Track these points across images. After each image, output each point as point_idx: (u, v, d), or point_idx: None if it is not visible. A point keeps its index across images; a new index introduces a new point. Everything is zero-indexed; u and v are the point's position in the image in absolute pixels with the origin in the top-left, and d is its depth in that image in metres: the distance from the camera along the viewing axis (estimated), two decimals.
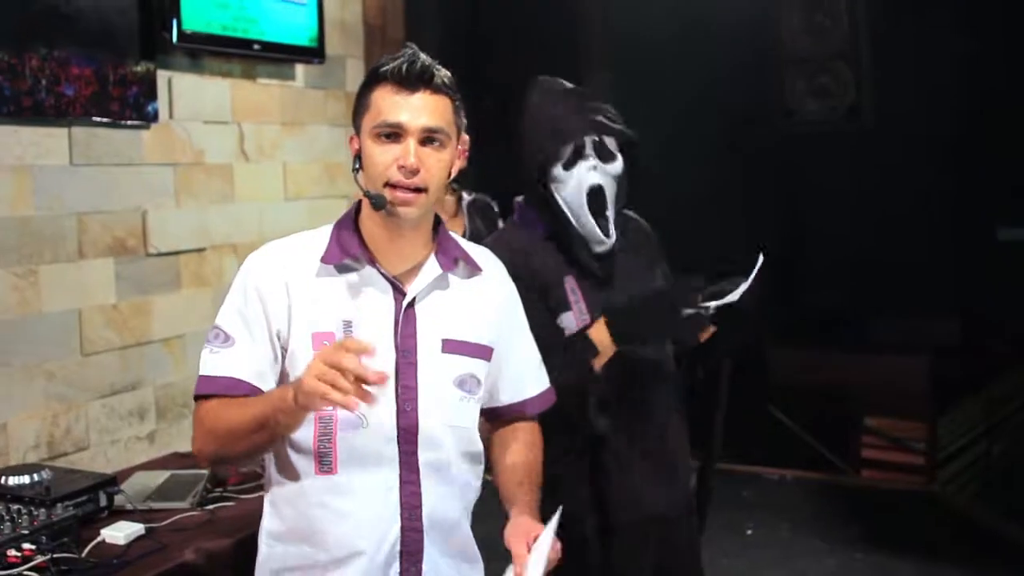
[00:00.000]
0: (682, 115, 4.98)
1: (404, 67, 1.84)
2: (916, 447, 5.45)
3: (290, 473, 1.90)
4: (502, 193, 4.17)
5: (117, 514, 2.61)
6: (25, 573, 2.18)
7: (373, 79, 1.88)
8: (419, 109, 1.83)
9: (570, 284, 2.39)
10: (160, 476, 2.88)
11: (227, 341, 1.89)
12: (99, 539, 2.42)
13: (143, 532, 2.47)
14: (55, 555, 2.25)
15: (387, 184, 1.84)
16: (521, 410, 2.13)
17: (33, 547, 2.25)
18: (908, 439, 5.47)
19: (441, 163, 1.87)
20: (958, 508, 5.02)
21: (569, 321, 2.38)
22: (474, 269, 2.01)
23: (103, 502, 2.61)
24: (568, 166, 2.34)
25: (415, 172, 1.82)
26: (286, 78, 4.63)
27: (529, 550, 1.83)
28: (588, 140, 2.35)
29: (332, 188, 4.82)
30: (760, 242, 2.40)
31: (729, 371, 2.53)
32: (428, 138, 1.85)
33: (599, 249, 2.37)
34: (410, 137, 1.83)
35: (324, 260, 1.91)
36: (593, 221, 2.35)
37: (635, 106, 2.46)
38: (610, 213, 2.37)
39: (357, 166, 1.92)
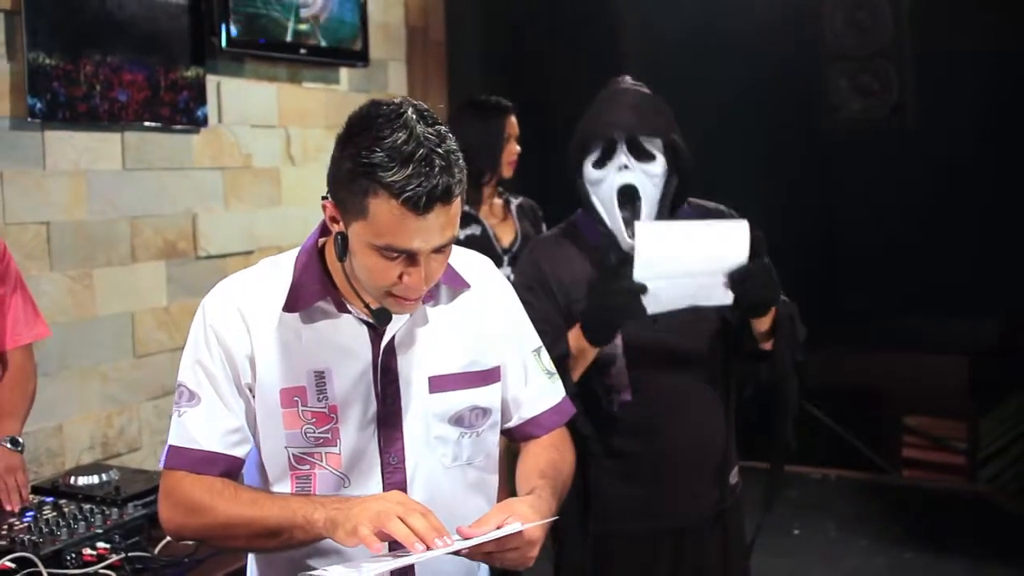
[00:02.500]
0: (723, 113, 4.97)
1: (422, 199, 1.49)
2: (957, 446, 5.42)
3: None
4: (542, 195, 4.21)
5: None
6: (101, 571, 2.21)
7: (371, 178, 1.50)
8: (433, 230, 1.54)
9: None
10: None
11: (192, 399, 1.68)
12: (169, 538, 2.44)
13: None
14: (129, 554, 2.27)
15: (388, 293, 1.61)
16: (533, 429, 1.88)
17: (107, 546, 2.27)
18: (949, 438, 5.44)
19: (444, 264, 1.64)
20: (1003, 507, 5.00)
21: None
22: (460, 287, 1.78)
23: None
24: (599, 165, 2.25)
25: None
26: (330, 82, 4.67)
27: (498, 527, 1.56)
28: (620, 138, 2.23)
29: None
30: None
31: (794, 374, 2.42)
32: (437, 250, 1.58)
33: (628, 250, 2.22)
34: (421, 259, 1.56)
35: (287, 309, 1.68)
36: (621, 221, 2.23)
37: (675, 105, 2.41)
38: (645, 215, 2.24)
39: (342, 249, 1.61)
